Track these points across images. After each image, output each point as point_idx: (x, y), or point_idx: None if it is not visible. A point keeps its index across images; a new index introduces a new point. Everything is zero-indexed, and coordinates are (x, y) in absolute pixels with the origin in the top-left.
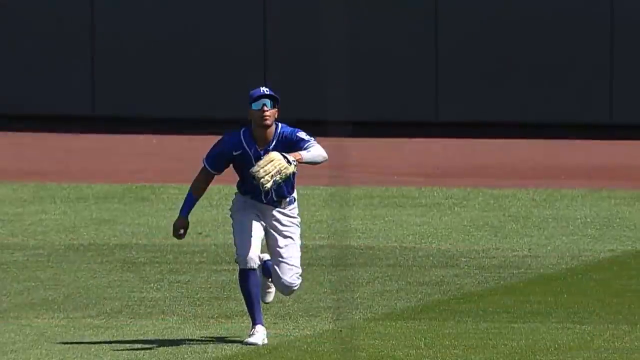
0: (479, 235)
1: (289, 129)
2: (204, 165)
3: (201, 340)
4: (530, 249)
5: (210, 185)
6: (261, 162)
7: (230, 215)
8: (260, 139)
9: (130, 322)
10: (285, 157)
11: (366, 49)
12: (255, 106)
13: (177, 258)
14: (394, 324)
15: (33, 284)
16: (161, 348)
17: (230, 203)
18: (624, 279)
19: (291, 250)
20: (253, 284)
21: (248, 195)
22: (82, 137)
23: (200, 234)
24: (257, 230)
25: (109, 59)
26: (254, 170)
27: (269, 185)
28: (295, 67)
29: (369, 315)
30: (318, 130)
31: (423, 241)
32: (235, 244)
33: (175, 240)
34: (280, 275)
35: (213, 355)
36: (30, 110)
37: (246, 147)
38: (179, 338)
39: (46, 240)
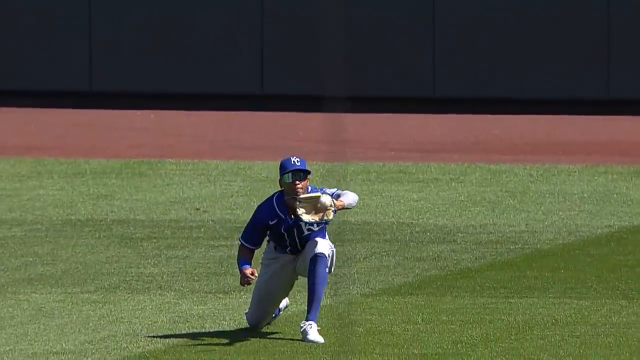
0: (476, 211)
1: (315, 187)
2: (242, 244)
3: (199, 316)
4: (527, 225)
5: (208, 160)
6: (307, 197)
7: (261, 263)
8: (292, 207)
9: (128, 297)
10: (331, 205)
11: (364, 25)
12: (287, 179)
13: (174, 234)
14: (391, 299)
15: (31, 259)
16: (159, 323)
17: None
18: (621, 255)
19: (319, 234)
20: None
21: (278, 250)
22: (79, 112)
23: (198, 209)
24: (280, 295)
25: (107, 35)
26: (298, 199)
27: (306, 219)
28: (292, 42)
29: (366, 291)
30: (315, 106)
31: (420, 217)
32: (251, 303)
33: (172, 215)
34: (310, 245)
35: (211, 330)
36: (28, 86)
37: (281, 214)
38: (176, 313)
39: (44, 216)
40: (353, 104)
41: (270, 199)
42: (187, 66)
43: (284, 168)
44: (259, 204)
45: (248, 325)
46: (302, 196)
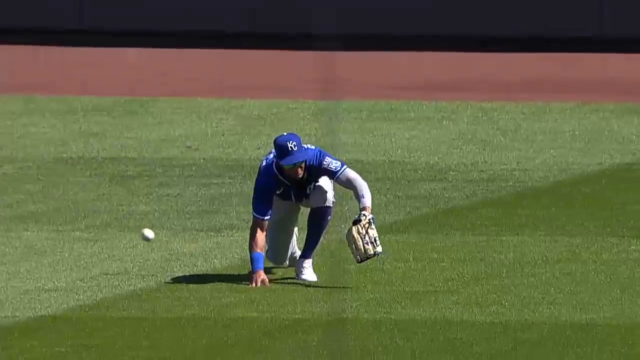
0: (468, 149)
1: (315, 159)
2: (257, 218)
3: (190, 254)
4: (518, 163)
5: (199, 98)
6: (352, 250)
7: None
8: (291, 179)
9: (120, 235)
10: (358, 220)
11: None
12: (285, 164)
13: (166, 172)
14: (382, 237)
15: (22, 196)
16: (150, 261)
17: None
18: (612, 192)
19: (322, 181)
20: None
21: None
22: (71, 50)
23: (189, 147)
24: (291, 223)
25: None
26: (360, 260)
27: (372, 251)
28: None
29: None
30: (306, 44)
31: (412, 155)
32: (266, 243)
33: (164, 153)
34: (314, 194)
35: (202, 268)
36: (19, 24)
37: (287, 183)
38: (168, 251)
39: (35, 154)
40: (344, 42)
41: (269, 172)
42: (179, 4)
43: (280, 154)
44: (256, 178)
45: (271, 264)
46: (356, 256)
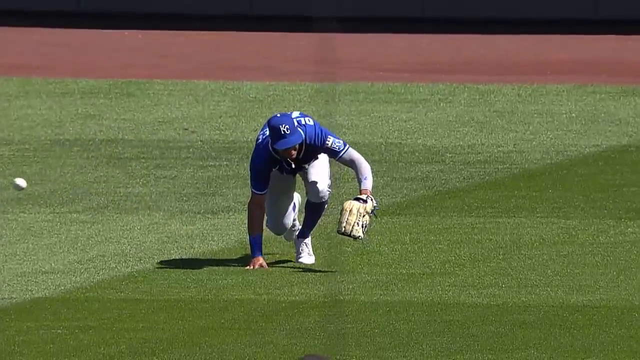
0: (465, 131)
1: (316, 138)
2: (255, 194)
3: (187, 236)
4: (515, 145)
5: (196, 81)
6: (342, 219)
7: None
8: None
9: (117, 217)
10: (358, 199)
11: None
12: (279, 148)
13: (163, 154)
14: (379, 219)
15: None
16: (147, 243)
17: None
18: (609, 174)
19: (319, 167)
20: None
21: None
22: (67, 32)
23: (186, 129)
24: (288, 193)
25: None
26: (342, 231)
27: (360, 234)
28: None
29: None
30: (304, 26)
31: (408, 137)
32: (266, 214)
33: (161, 135)
34: (311, 188)
35: (199, 250)
36: (16, 6)
37: (283, 162)
38: (165, 233)
39: (32, 135)
40: (342, 24)
41: (265, 150)
42: None
43: (273, 138)
44: (252, 154)
45: (274, 234)
46: (341, 228)
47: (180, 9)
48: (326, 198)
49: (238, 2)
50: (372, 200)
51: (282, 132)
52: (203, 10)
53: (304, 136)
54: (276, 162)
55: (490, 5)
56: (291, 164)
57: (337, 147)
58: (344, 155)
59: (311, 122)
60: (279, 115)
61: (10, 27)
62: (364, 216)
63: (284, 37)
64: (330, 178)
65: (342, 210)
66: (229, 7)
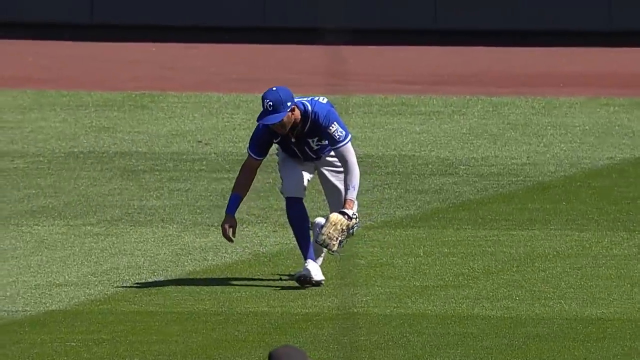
0: (478, 143)
1: (323, 116)
2: (250, 156)
3: (201, 248)
4: (529, 157)
5: (210, 93)
6: (324, 230)
7: (277, 154)
8: (290, 130)
9: (130, 229)
10: (344, 214)
11: None
12: (260, 124)
13: (177, 166)
14: (392, 231)
15: (33, 191)
16: (161, 256)
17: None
18: (623, 187)
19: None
20: (300, 215)
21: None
22: (81, 45)
23: (200, 142)
24: (305, 169)
25: None
26: (319, 240)
27: (335, 248)
28: None
29: (367, 223)
30: (316, 38)
31: (422, 149)
32: (281, 178)
33: (175, 148)
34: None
35: (213, 263)
36: (30, 18)
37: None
38: (178, 246)
39: (46, 148)
40: (354, 36)
41: None
42: None
43: (261, 112)
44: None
45: (285, 195)
46: (320, 237)
47: (193, 21)
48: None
49: (252, 14)
50: (355, 219)
51: (265, 108)
52: (216, 22)
53: (293, 113)
54: (277, 134)
55: (503, 17)
56: (289, 136)
57: (338, 137)
58: (341, 149)
59: (324, 101)
60: (274, 89)
61: (24, 40)
62: (343, 232)
63: (296, 49)
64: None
65: (327, 220)
66: (242, 19)
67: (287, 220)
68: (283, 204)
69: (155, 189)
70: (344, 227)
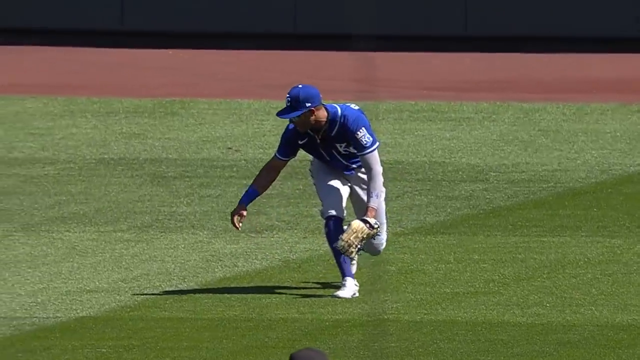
0: (509, 150)
1: (351, 120)
2: (275, 156)
3: (231, 255)
4: (559, 163)
5: (240, 100)
6: (344, 236)
7: (312, 175)
8: (315, 131)
9: (161, 236)
10: (366, 222)
11: None
12: (279, 117)
13: (207, 172)
14: (423, 238)
15: (64, 197)
16: (191, 262)
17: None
18: None
19: (379, 217)
20: (339, 234)
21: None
22: (111, 51)
23: (230, 148)
24: (342, 186)
25: None
26: (338, 246)
27: (353, 255)
28: None
29: (398, 230)
30: (346, 44)
31: (452, 155)
32: (320, 198)
33: (205, 154)
34: (372, 241)
35: (243, 269)
36: (60, 25)
37: (311, 133)
38: (209, 252)
39: (77, 154)
40: (384, 43)
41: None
42: (220, 4)
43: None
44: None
45: (323, 219)
46: (340, 242)
47: (224, 28)
48: (381, 249)
49: (282, 21)
50: (377, 228)
51: (285, 103)
52: (247, 28)
53: (315, 115)
54: (304, 134)
55: (534, 23)
56: (315, 138)
57: (365, 142)
58: (367, 156)
59: (356, 107)
60: (299, 86)
61: (54, 47)
62: (362, 240)
63: (327, 55)
64: (386, 231)
65: (348, 227)
66: (273, 26)
67: (326, 239)
68: (313, 210)
69: (185, 195)
70: (364, 236)
